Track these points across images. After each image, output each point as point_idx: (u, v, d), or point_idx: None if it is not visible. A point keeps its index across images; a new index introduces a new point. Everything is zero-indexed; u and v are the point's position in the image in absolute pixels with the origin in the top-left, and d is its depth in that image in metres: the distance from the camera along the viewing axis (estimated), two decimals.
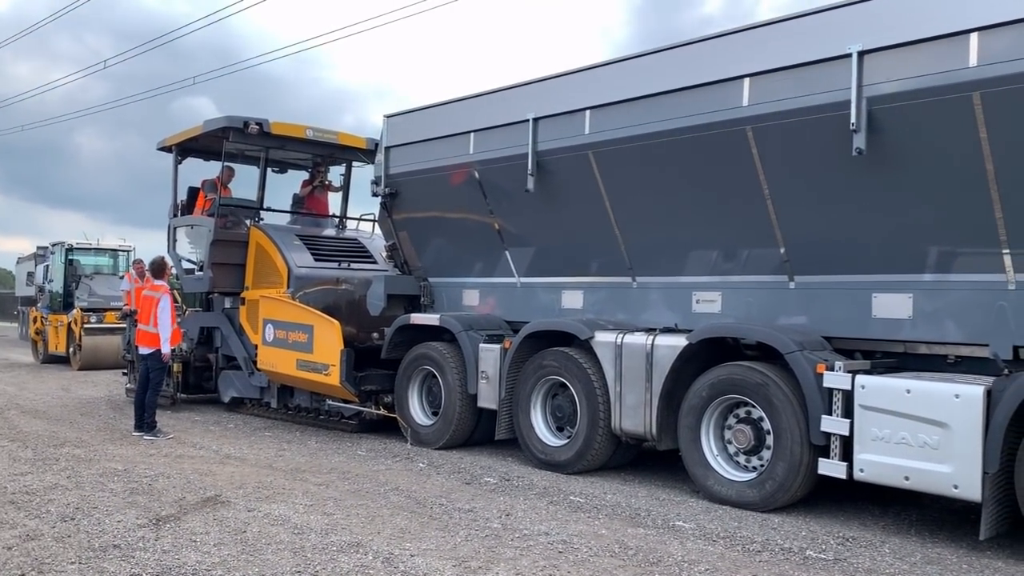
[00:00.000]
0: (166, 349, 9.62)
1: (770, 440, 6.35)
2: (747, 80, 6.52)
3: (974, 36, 5.37)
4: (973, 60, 5.37)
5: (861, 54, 5.86)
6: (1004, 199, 5.45)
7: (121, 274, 22.10)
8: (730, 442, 6.68)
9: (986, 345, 5.72)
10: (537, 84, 8.29)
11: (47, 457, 7.96)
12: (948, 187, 5.71)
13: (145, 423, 9.44)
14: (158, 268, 10.18)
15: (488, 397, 8.44)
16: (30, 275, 27.76)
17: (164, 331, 9.55)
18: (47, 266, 22.11)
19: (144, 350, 9.70)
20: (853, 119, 5.83)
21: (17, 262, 34.30)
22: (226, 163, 11.84)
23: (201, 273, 11.56)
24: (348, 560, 4.93)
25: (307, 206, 12.48)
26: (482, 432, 8.84)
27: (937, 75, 5.53)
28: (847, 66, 5.90)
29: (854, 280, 6.39)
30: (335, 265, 11.05)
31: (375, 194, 10.20)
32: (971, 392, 5.29)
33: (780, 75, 6.32)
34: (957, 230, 5.81)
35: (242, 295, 11.32)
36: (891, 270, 6.18)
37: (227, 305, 11.68)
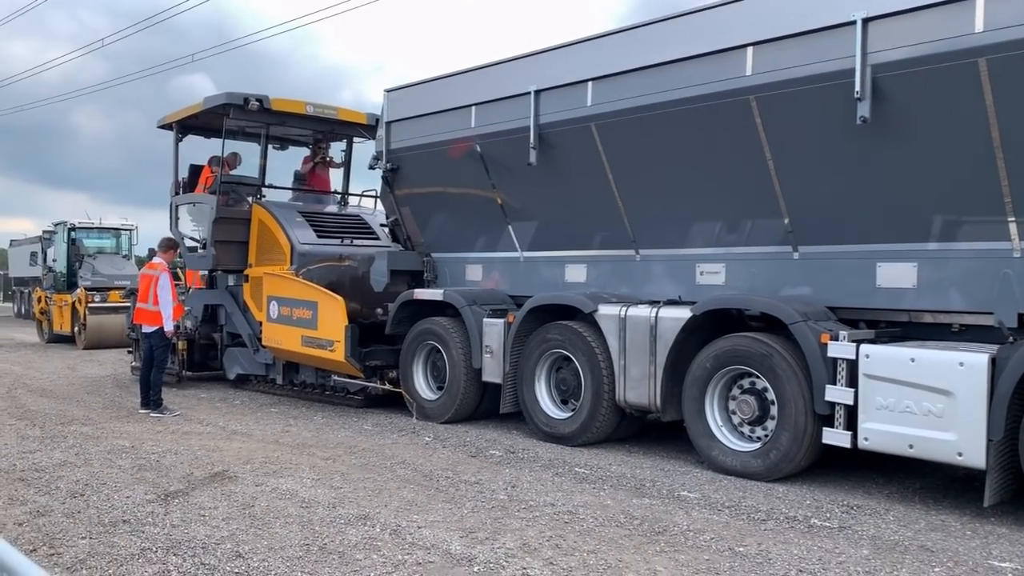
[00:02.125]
0: (169, 326, 9.65)
1: (774, 410, 6.36)
2: (750, 49, 6.46)
3: (980, 1, 5.31)
4: (979, 25, 5.31)
5: (865, 21, 5.80)
6: (1010, 166, 5.41)
7: (125, 252, 22.19)
8: (734, 413, 6.70)
9: (991, 313, 5.70)
10: (538, 56, 8.22)
11: (55, 435, 8.02)
12: (953, 155, 5.67)
13: (151, 401, 9.49)
14: (165, 246, 10.22)
15: (492, 371, 8.47)
16: (33, 255, 27.86)
17: (165, 308, 9.58)
18: (53, 247, 22.19)
19: (146, 328, 9.73)
20: (857, 87, 5.78)
21: (11, 244, 34.38)
22: (231, 148, 11.81)
23: (204, 251, 11.56)
24: (356, 532, 4.97)
25: (309, 183, 12.48)
26: (487, 406, 8.88)
27: (942, 41, 5.47)
28: (851, 33, 5.83)
29: (858, 250, 6.37)
30: (338, 241, 11.05)
31: (371, 167, 10.17)
32: (975, 360, 5.29)
33: (784, 43, 6.26)
34: (962, 198, 5.78)
35: (246, 272, 11.33)
36: (895, 239, 6.15)
37: (231, 283, 11.71)
